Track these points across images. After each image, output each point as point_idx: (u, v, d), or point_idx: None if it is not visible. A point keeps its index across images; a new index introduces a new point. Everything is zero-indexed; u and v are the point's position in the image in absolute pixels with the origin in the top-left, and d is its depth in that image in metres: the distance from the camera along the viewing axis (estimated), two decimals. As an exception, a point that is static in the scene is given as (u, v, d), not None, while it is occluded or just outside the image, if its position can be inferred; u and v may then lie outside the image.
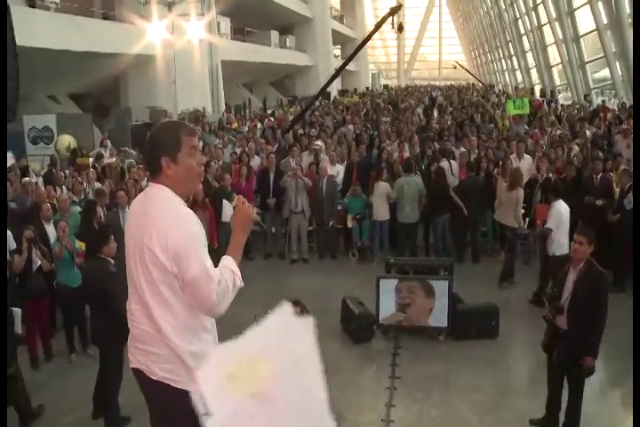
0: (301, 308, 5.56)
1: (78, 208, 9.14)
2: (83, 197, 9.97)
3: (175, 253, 2.75)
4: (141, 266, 2.84)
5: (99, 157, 13.27)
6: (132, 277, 2.94)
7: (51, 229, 7.85)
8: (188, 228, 2.80)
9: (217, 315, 2.89)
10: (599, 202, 9.52)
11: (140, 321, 2.90)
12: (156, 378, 2.87)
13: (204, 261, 2.79)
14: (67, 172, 11.64)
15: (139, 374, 2.95)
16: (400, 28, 22.10)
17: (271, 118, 23.55)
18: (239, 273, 2.92)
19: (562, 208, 8.28)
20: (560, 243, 8.15)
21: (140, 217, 2.91)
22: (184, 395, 2.84)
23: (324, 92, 26.37)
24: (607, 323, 7.65)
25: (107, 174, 11.36)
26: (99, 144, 15.61)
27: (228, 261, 2.93)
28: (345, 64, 19.81)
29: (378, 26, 19.31)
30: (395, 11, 18.63)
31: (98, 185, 10.41)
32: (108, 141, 15.33)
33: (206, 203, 9.30)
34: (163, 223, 2.78)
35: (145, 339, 2.89)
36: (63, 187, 10.36)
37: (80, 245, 7.41)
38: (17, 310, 6.25)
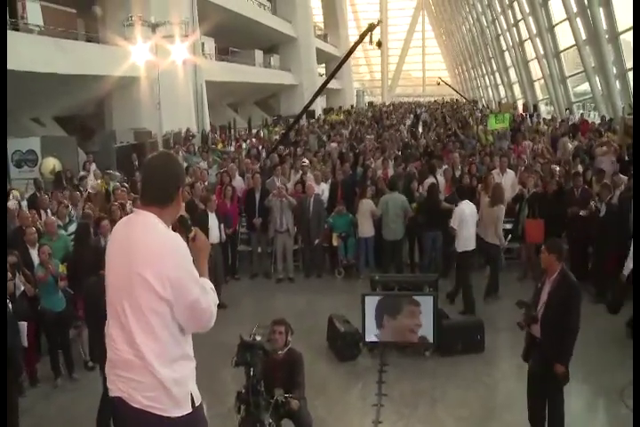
0: (286, 327, 5.56)
1: (63, 232, 9.12)
2: (67, 220, 9.95)
3: (174, 280, 2.79)
4: (127, 292, 2.83)
5: (82, 179, 13.25)
6: (112, 302, 2.93)
7: (35, 254, 7.81)
8: (179, 253, 2.85)
9: (209, 328, 2.97)
10: (583, 212, 9.63)
11: (121, 348, 2.88)
12: (138, 406, 2.85)
13: (199, 280, 2.90)
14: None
15: (119, 402, 2.91)
16: (379, 44, 22.37)
17: (253, 139, 23.64)
18: (215, 291, 3.06)
19: (465, 208, 9.15)
20: (463, 240, 9.06)
21: (125, 243, 2.91)
22: (166, 422, 2.85)
23: (308, 111, 26.50)
24: (592, 332, 7.76)
25: (91, 199, 11.31)
26: (82, 167, 15.56)
27: (207, 284, 3.02)
28: (327, 82, 19.94)
29: (357, 42, 19.57)
30: (373, 27, 18.88)
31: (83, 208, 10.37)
32: (93, 164, 15.31)
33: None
34: (155, 251, 2.81)
35: (125, 367, 2.87)
36: (48, 210, 10.32)
37: (62, 270, 7.40)
38: (22, 324, 6.25)
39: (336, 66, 20.46)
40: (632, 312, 8.19)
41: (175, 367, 2.88)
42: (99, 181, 12.92)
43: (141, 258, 2.81)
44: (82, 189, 12.28)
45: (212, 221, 9.85)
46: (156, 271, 2.78)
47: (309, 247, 11.11)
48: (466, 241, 9.12)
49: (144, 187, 3.01)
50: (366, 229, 10.82)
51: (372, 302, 7.62)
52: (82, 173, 14.61)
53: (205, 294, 2.90)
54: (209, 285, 3.01)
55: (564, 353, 5.31)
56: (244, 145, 21.93)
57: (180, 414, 2.88)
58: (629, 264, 7.96)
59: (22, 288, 7.06)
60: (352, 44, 25.85)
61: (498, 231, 9.43)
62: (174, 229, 3.03)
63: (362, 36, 19.12)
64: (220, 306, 3.02)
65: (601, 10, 23.65)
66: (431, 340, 7.54)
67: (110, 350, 2.95)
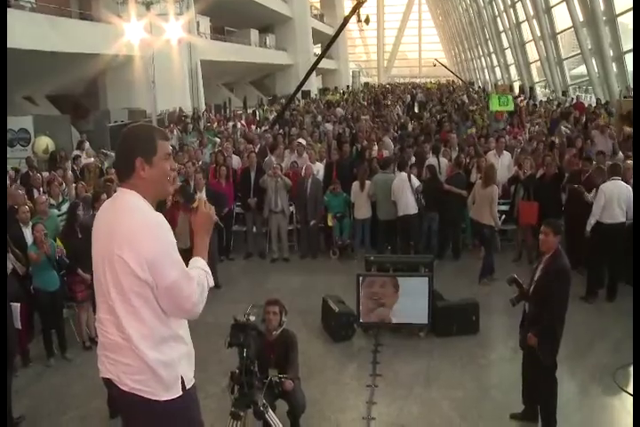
0: (280, 308, 5.52)
1: (56, 211, 9.04)
2: (61, 199, 9.88)
3: (150, 261, 2.71)
4: (111, 275, 2.78)
5: (75, 158, 13.15)
6: (100, 285, 2.88)
7: (28, 232, 7.74)
8: (159, 234, 2.77)
9: (195, 315, 2.88)
10: (577, 186, 9.54)
11: (110, 331, 2.84)
12: (126, 389, 2.83)
13: (181, 264, 2.80)
14: (44, 174, 11.49)
15: (110, 383, 2.90)
16: (367, 21, 22.39)
17: (242, 121, 23.45)
18: (210, 272, 2.97)
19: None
20: (401, 206, 10.23)
21: (108, 224, 2.84)
22: (155, 405, 2.82)
23: (304, 91, 26.31)
24: (585, 315, 7.77)
25: (84, 176, 11.22)
26: (76, 146, 15.43)
27: (200, 263, 2.96)
28: (319, 59, 19.87)
29: (346, 18, 19.50)
30: (361, 2, 18.88)
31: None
32: (87, 143, 15.17)
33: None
34: (134, 232, 2.73)
35: (114, 349, 2.84)
36: (40, 189, 10.24)
37: (59, 243, 7.34)
38: (15, 305, 6.20)
39: (334, 46, 20.41)
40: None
41: (163, 349, 2.82)
42: (92, 159, 12.82)
43: (120, 239, 2.74)
44: (75, 168, 12.18)
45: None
46: (134, 253, 2.71)
47: (306, 228, 11.06)
48: (403, 207, 10.18)
49: (115, 163, 2.99)
50: (363, 212, 10.77)
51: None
52: (75, 152, 14.48)
53: (188, 281, 2.78)
54: (203, 266, 2.94)
55: (544, 332, 5.31)
56: (238, 125, 21.80)
57: (169, 398, 2.84)
58: (592, 221, 8.62)
59: (12, 267, 6.97)
60: (349, 24, 25.78)
61: (493, 212, 9.37)
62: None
63: (351, 13, 19.11)
64: (214, 286, 2.96)
65: (599, -9, 23.49)
66: (426, 321, 7.56)
67: (99, 332, 2.92)
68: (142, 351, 2.77)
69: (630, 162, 9.52)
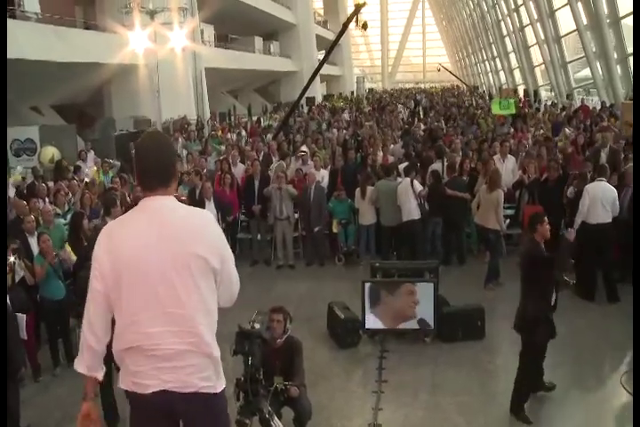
0: (284, 315, 5.53)
1: (62, 220, 9.08)
2: (67, 208, 9.93)
3: (221, 253, 2.91)
4: (182, 278, 2.77)
5: (76, 168, 13.19)
6: (157, 297, 2.78)
7: (34, 242, 7.78)
8: (216, 225, 2.98)
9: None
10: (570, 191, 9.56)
11: (168, 341, 2.79)
12: (194, 390, 2.83)
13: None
14: (50, 184, 11.55)
15: (162, 395, 2.82)
16: (364, 26, 22.44)
17: (243, 131, 23.44)
18: None
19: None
20: (405, 212, 10.25)
21: (155, 229, 2.79)
22: (214, 398, 2.92)
23: (308, 98, 26.31)
24: (592, 317, 7.74)
25: (89, 187, 11.24)
26: (78, 156, 15.45)
27: None
28: (321, 64, 19.96)
29: (345, 25, 19.59)
30: (359, 7, 18.99)
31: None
32: (90, 153, 15.21)
33: None
34: (203, 229, 2.88)
35: (172, 357, 2.80)
36: (46, 199, 10.29)
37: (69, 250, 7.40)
38: (21, 316, 6.22)
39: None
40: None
41: (215, 341, 2.94)
42: (94, 168, 12.87)
43: (197, 241, 2.82)
44: (76, 178, 12.22)
45: (209, 208, 9.82)
46: (213, 250, 2.85)
47: (310, 235, 11.06)
48: (406, 212, 10.12)
49: (147, 172, 2.87)
50: (368, 218, 10.78)
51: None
52: (77, 162, 14.52)
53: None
54: None
55: None
56: (243, 132, 21.84)
57: (222, 387, 2.96)
58: (577, 221, 8.67)
59: (22, 274, 6.99)
60: (351, 30, 25.90)
61: (498, 217, 9.37)
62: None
63: (349, 19, 19.18)
64: None
65: (602, -6, 23.48)
66: (431, 326, 7.52)
67: (150, 348, 2.82)
68: (210, 346, 2.87)
69: (630, 165, 9.51)
